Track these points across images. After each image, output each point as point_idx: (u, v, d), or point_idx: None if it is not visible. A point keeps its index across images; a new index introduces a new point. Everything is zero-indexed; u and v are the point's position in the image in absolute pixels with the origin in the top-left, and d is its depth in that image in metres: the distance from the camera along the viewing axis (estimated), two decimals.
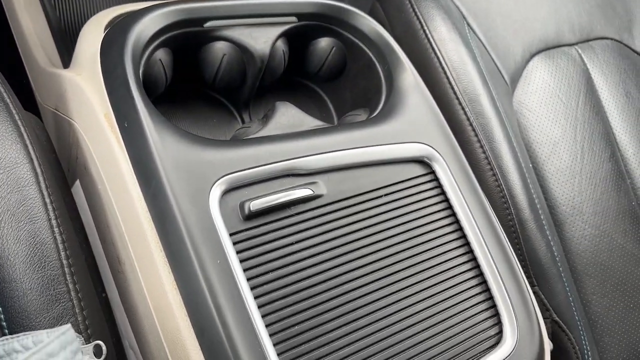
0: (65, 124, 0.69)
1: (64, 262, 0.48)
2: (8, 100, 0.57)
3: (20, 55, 1.01)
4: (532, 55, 0.90)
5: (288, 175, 0.56)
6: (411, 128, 0.64)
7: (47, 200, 0.50)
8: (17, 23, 0.98)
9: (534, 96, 0.87)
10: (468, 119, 0.74)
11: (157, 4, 0.61)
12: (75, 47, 0.76)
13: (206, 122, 0.72)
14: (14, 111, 0.57)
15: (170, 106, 0.70)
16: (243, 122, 0.74)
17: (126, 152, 0.54)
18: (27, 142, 0.54)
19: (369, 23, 0.70)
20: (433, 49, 0.77)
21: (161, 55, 0.62)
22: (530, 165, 0.79)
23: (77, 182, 0.70)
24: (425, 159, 0.63)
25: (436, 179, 0.63)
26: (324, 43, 0.72)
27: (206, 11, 0.63)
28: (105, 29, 0.74)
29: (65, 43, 1.14)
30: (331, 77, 0.76)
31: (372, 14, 0.92)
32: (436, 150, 0.64)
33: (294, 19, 0.69)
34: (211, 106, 0.73)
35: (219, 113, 0.73)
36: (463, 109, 0.75)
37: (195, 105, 0.72)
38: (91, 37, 0.70)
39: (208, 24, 0.64)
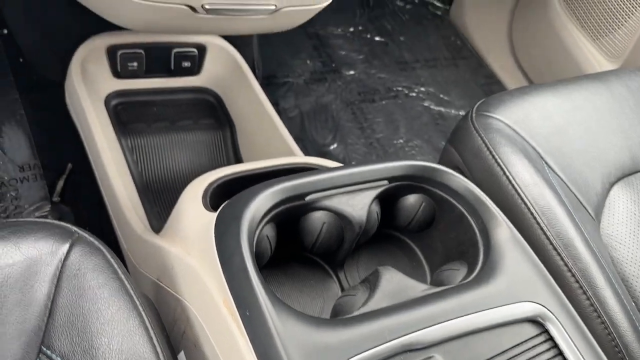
0: (171, 299, 0.71)
1: None
2: (127, 283, 0.60)
3: (111, 219, 1.07)
4: (612, 185, 0.90)
5: (406, 352, 0.56)
6: (517, 286, 0.64)
7: None
8: (109, 188, 1.04)
9: (622, 227, 0.86)
10: (566, 265, 0.74)
11: (263, 185, 0.65)
12: (175, 217, 0.80)
13: (304, 284, 0.74)
14: (134, 297, 0.59)
15: (270, 271, 0.72)
16: (339, 280, 0.75)
17: (248, 339, 0.55)
18: (152, 334, 0.56)
19: (458, 180, 0.72)
20: (519, 194, 0.79)
21: (267, 231, 0.65)
22: (634, 305, 0.76)
23: (182, 354, 0.71)
24: (538, 318, 0.62)
25: (551, 337, 0.62)
26: (413, 199, 0.74)
27: (309, 186, 0.66)
28: (204, 195, 0.79)
29: (147, 196, 1.21)
30: (421, 229, 0.77)
31: (445, 156, 0.95)
32: (546, 308, 0.63)
33: (385, 182, 0.71)
34: (308, 267, 0.75)
35: (315, 273, 0.75)
36: (559, 254, 0.74)
37: (293, 267, 0.74)
38: (194, 211, 0.74)
39: (309, 197, 0.67)
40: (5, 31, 1.31)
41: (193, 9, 0.85)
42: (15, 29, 1.31)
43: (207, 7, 0.83)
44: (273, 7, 0.89)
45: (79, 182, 1.17)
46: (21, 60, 1.29)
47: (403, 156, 1.52)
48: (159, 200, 1.22)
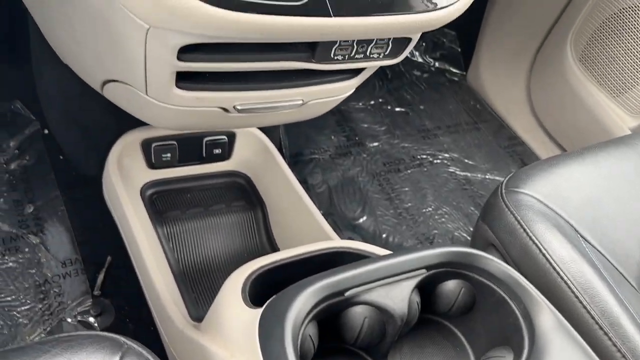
0: None
1: None
2: None
3: (151, 311, 1.08)
4: None
5: None
6: None
7: None
8: (148, 280, 1.06)
9: None
10: (614, 345, 0.72)
11: (304, 284, 0.66)
12: (215, 312, 0.81)
13: None
14: None
15: None
16: None
17: None
18: None
19: (496, 264, 0.72)
20: (558, 272, 0.78)
21: (310, 330, 0.66)
22: None
23: None
24: None
25: None
26: (452, 285, 0.75)
27: (348, 281, 0.67)
28: (243, 289, 0.80)
29: (185, 283, 1.23)
30: (462, 313, 0.77)
31: (478, 234, 0.95)
32: None
33: (424, 270, 0.72)
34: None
35: None
36: (606, 334, 0.73)
37: None
38: (235, 309, 0.75)
39: (349, 292, 0.67)
40: (46, 131, 1.39)
41: (225, 109, 0.89)
42: (55, 128, 1.39)
43: (238, 107, 0.87)
44: (300, 102, 0.93)
45: (119, 274, 1.20)
46: (61, 157, 1.36)
47: (433, 224, 1.52)
48: (196, 287, 1.23)
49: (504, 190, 0.91)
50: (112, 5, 0.64)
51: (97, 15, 0.77)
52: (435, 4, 0.70)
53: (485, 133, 1.82)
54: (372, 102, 1.79)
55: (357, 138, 1.67)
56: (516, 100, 1.88)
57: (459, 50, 2.02)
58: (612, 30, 1.51)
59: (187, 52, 0.71)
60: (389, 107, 1.80)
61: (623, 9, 1.47)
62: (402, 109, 1.81)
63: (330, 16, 0.64)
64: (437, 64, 1.99)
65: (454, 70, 2.00)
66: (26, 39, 1.34)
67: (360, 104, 1.77)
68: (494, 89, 1.93)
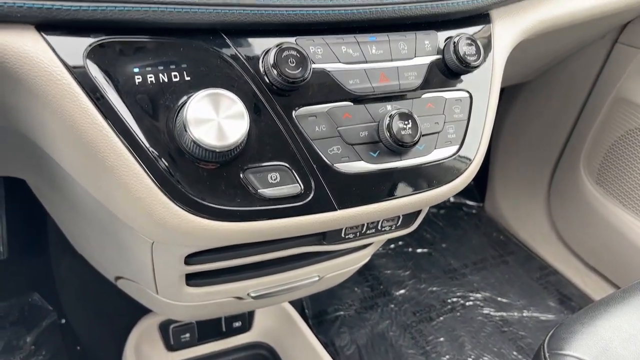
0: None
1: None
2: None
3: None
4: None
5: None
6: None
7: None
8: None
9: None
10: None
11: None
12: None
13: None
14: None
15: None
16: None
17: None
18: None
19: None
20: None
21: None
22: None
23: None
24: None
25: None
26: None
27: None
28: None
29: None
30: None
31: None
32: None
33: None
34: None
35: None
36: None
37: None
38: None
39: None
40: (64, 321, 1.36)
41: (239, 297, 0.86)
42: (72, 316, 1.36)
43: (253, 295, 0.84)
44: (317, 278, 0.90)
45: None
46: (78, 348, 1.31)
47: None
48: None
49: (547, 354, 0.83)
50: (118, 220, 0.64)
51: (105, 226, 0.77)
52: (439, 181, 0.69)
53: (514, 266, 1.75)
54: (392, 246, 1.75)
55: (381, 287, 1.61)
56: (540, 227, 1.82)
57: (472, 182, 2.01)
58: (624, 151, 1.50)
59: (194, 256, 0.70)
60: (410, 250, 1.75)
61: (631, 130, 1.47)
62: (424, 250, 1.76)
63: (335, 210, 0.63)
64: (452, 199, 1.98)
65: (471, 203, 1.98)
66: (44, 231, 1.37)
67: (381, 249, 1.73)
68: (515, 217, 1.89)
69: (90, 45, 0.53)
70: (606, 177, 1.57)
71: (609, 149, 1.55)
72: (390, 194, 0.65)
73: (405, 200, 0.67)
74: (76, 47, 0.52)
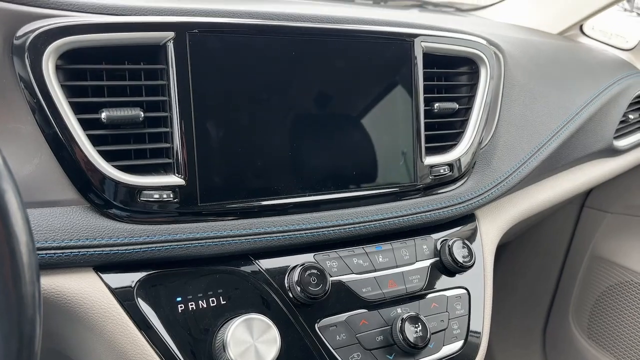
0: None
1: None
2: None
3: None
4: None
5: None
6: None
7: None
8: None
9: None
10: None
11: None
12: None
13: None
14: None
15: None
16: None
17: None
18: None
19: None
20: None
21: None
22: None
23: None
24: None
25: None
26: None
27: None
28: None
29: None
30: None
31: None
32: None
33: None
34: None
35: None
36: None
37: None
38: None
39: None
40: None
41: None
42: None
43: None
44: None
45: None
46: None
47: None
48: None
49: None
50: None
51: None
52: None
53: None
54: None
55: None
56: None
57: None
58: (609, 306, 1.56)
59: None
60: None
61: (612, 286, 1.56)
62: None
63: None
64: None
65: None
66: None
67: None
68: None
69: (139, 281, 0.61)
70: (597, 331, 1.62)
71: (594, 305, 1.62)
72: None
73: None
74: (128, 284, 0.60)
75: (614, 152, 1.18)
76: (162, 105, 0.63)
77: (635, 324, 1.52)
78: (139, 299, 0.60)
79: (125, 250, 0.59)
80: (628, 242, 1.53)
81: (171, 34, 0.61)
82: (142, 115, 0.61)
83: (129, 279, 0.60)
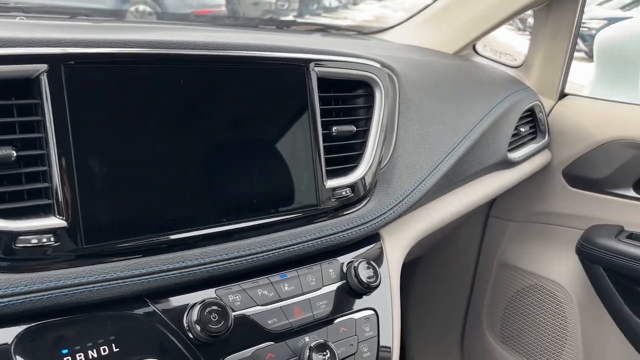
0: None
1: None
2: None
3: None
4: None
5: None
6: None
7: None
8: None
9: None
10: None
11: None
12: None
13: None
14: None
15: None
16: None
17: None
18: None
19: None
20: None
21: None
22: None
23: None
24: None
25: None
26: None
27: None
28: None
29: None
30: None
31: None
32: None
33: None
34: None
35: None
36: None
37: None
38: None
39: None
40: None
41: None
42: None
43: None
44: None
45: None
46: None
47: None
48: None
49: None
50: None
51: None
52: None
53: None
54: None
55: None
56: None
57: None
58: (518, 310, 1.63)
59: None
60: None
61: (518, 290, 1.63)
62: None
63: None
64: None
65: None
66: None
67: None
68: None
69: (17, 336, 0.55)
70: (509, 335, 1.69)
71: (505, 310, 1.68)
72: None
73: None
74: (4, 341, 0.54)
75: (509, 164, 1.24)
76: (38, 143, 0.59)
77: (542, 325, 1.60)
78: (17, 356, 0.54)
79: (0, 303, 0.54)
80: (531, 248, 1.61)
81: (44, 67, 0.58)
82: (15, 154, 0.56)
83: (6, 335, 0.55)
